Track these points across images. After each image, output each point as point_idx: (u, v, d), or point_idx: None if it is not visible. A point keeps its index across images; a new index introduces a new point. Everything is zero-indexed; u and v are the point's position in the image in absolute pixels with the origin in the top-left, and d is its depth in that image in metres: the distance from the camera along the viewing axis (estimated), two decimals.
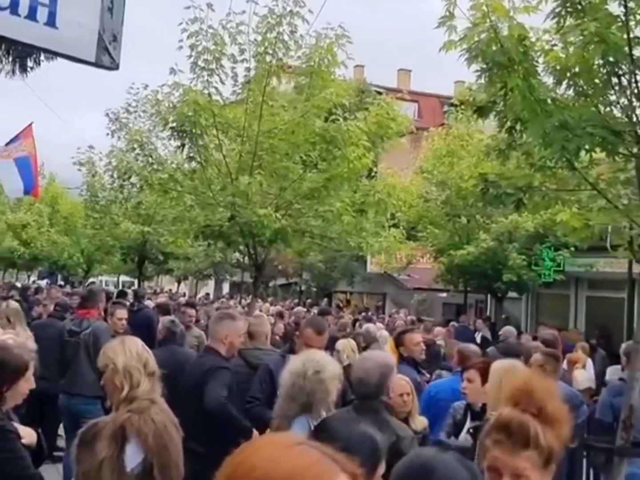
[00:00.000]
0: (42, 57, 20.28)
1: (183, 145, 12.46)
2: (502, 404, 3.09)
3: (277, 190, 12.81)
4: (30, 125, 19.40)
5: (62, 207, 34.80)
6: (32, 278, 45.83)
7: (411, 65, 68.32)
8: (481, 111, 7.37)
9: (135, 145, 13.13)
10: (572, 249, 22.20)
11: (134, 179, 13.63)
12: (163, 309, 13.89)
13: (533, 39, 6.75)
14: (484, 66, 6.54)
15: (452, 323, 22.12)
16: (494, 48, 6.27)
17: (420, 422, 6.87)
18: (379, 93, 16.99)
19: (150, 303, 18.93)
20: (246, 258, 42.42)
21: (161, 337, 9.66)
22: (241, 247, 14.28)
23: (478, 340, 21.10)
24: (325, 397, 5.28)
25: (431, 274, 30.10)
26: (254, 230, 12.19)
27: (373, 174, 14.62)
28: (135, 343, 4.50)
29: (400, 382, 7.43)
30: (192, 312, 14.88)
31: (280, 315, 20.58)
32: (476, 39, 6.35)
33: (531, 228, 21.97)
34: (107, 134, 19.77)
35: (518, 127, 7.41)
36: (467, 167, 21.61)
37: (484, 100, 7.27)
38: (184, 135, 12.19)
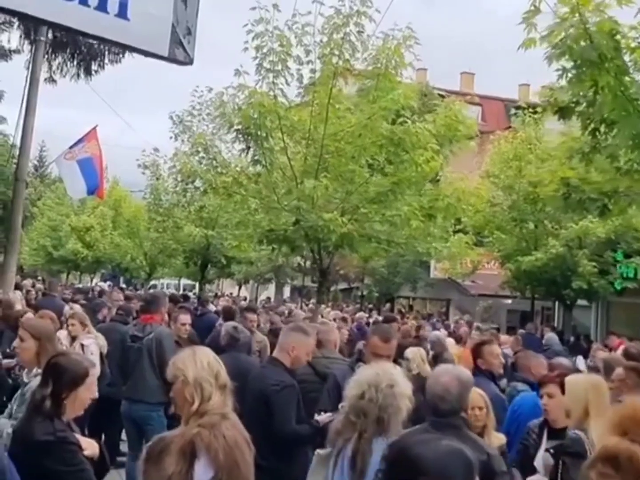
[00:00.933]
0: (106, 60, 20.50)
1: (248, 147, 12.19)
2: (608, 433, 2.74)
3: (342, 194, 12.47)
4: (94, 128, 19.50)
5: (125, 210, 35.00)
6: (95, 280, 46.19)
7: (474, 68, 67.28)
8: (563, 112, 6.93)
9: (200, 149, 12.89)
10: None
11: (197, 183, 13.40)
12: (227, 314, 13.66)
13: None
14: (571, 64, 6.09)
15: (520, 331, 21.60)
16: (582, 44, 5.82)
17: (496, 439, 6.44)
18: (442, 96, 16.53)
19: (212, 307, 18.79)
20: (307, 262, 42.99)
21: (224, 343, 9.42)
22: (305, 252, 13.90)
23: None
24: (397, 415, 4.92)
25: (496, 280, 29.49)
26: (319, 235, 11.88)
27: (438, 178, 14.19)
28: (207, 354, 4.25)
29: (473, 395, 7.06)
30: (254, 316, 14.68)
31: (344, 320, 20.26)
32: (563, 34, 5.91)
33: (602, 234, 21.29)
34: (171, 137, 19.74)
35: (602, 128, 6.94)
36: (548, 171, 20.99)
37: (566, 101, 6.82)
38: (249, 137, 11.94)
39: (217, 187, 12.97)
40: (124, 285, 38.64)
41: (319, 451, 5.16)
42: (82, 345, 9.23)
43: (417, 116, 12.76)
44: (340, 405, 5.15)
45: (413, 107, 12.72)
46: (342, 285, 45.47)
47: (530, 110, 24.72)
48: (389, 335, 6.73)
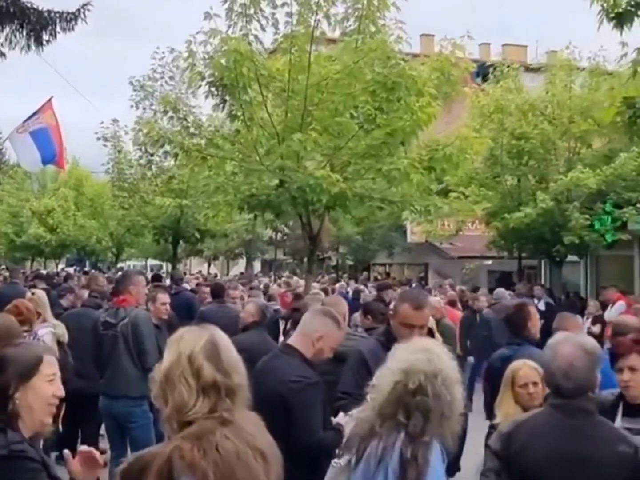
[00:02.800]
0: (58, 29, 19.08)
1: (224, 101, 10.76)
2: None
3: (331, 150, 11.17)
4: (50, 99, 18.30)
5: (87, 189, 33.29)
6: (61, 266, 44.53)
7: (432, 30, 66.21)
8: (622, 18, 5.72)
9: (168, 108, 11.46)
10: (638, 205, 20.55)
11: (167, 148, 11.97)
12: (216, 291, 12.42)
13: None
14: None
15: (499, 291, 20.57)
16: None
17: None
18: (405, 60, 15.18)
19: (187, 286, 17.53)
20: (279, 234, 41.77)
21: (252, 320, 8.50)
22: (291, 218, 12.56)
23: (541, 307, 19.64)
24: (457, 409, 3.73)
25: (477, 242, 28.55)
26: (309, 196, 10.56)
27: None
28: (196, 339, 3.06)
29: (524, 369, 5.89)
30: (236, 292, 13.70)
31: (324, 291, 19.08)
32: None
33: (593, 185, 20.22)
34: (132, 106, 18.29)
35: None
36: (606, 91, 19.69)
37: (624, 4, 5.62)
38: (224, 90, 10.54)
39: (189, 150, 11.54)
40: (87, 269, 37.03)
41: (336, 461, 3.98)
42: (36, 336, 8.02)
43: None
44: (367, 396, 3.91)
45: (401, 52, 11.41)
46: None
47: (505, 66, 23.82)
48: (421, 301, 5.54)
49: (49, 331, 8.47)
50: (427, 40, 55.99)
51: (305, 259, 42.50)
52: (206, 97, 10.83)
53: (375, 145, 10.92)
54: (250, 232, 28.83)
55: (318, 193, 10.28)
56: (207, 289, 13.21)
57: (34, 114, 17.65)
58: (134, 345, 8.16)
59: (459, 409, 3.69)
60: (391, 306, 11.32)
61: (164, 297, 9.25)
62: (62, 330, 8.75)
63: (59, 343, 8.58)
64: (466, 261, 33.19)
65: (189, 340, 3.02)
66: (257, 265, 52.94)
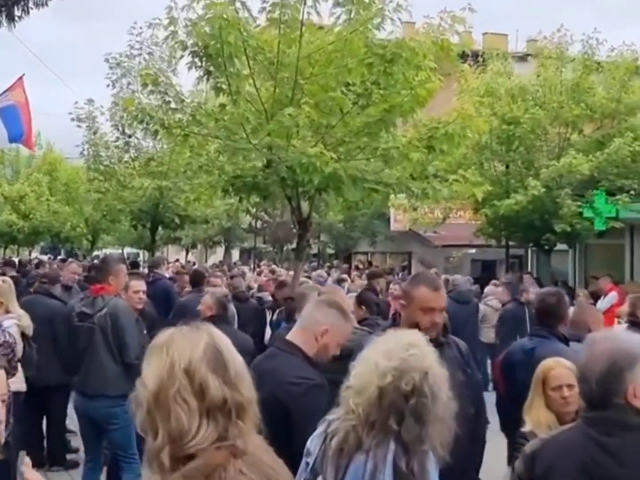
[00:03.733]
0: (30, 4, 18.29)
1: (208, 72, 9.89)
2: None
3: (322, 128, 10.36)
4: (21, 77, 17.53)
5: (61, 174, 32.19)
6: (34, 254, 43.45)
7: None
8: None
9: (148, 81, 10.58)
10: (631, 192, 20.00)
11: (147, 125, 11.10)
12: (195, 278, 11.69)
13: None
14: None
15: (493, 281, 19.98)
16: None
17: None
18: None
19: (166, 273, 16.71)
20: (259, 222, 40.90)
21: (210, 314, 7.57)
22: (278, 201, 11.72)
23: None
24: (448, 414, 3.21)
25: (462, 230, 27.93)
26: (299, 177, 9.75)
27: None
28: (192, 344, 2.32)
29: (558, 369, 5.20)
30: (217, 280, 13.07)
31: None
32: None
33: (587, 171, 19.60)
34: (108, 85, 17.39)
35: None
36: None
37: None
38: (208, 61, 9.68)
39: (170, 127, 10.67)
40: (64, 257, 35.97)
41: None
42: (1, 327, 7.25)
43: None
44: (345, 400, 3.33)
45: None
46: (295, 244, 43.40)
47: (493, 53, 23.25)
48: (437, 282, 4.99)
49: (14, 323, 7.74)
50: (408, 27, 55.39)
51: (285, 247, 42.22)
52: (189, 68, 9.96)
53: (371, 123, 10.12)
54: (232, 218, 27.75)
55: (310, 173, 9.47)
56: (218, 281, 12.48)
57: (4, 92, 16.91)
58: (113, 338, 7.46)
59: (452, 410, 3.21)
60: (394, 293, 10.68)
61: (137, 285, 8.48)
62: (27, 322, 8.01)
63: (24, 335, 7.87)
64: (450, 250, 32.57)
65: (182, 345, 2.28)
66: (235, 254, 52.13)
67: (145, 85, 10.72)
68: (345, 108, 10.16)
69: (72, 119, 18.35)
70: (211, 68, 9.74)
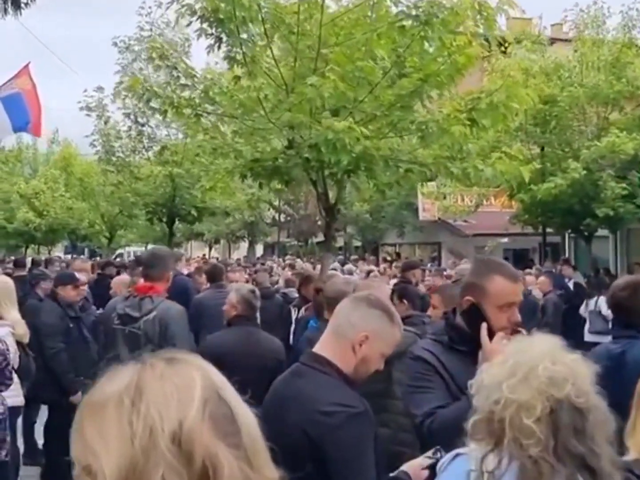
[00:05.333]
0: None
1: (219, 39, 8.72)
2: None
3: (350, 102, 9.20)
4: (26, 65, 16.55)
5: (76, 168, 31.16)
6: (57, 253, 42.55)
7: None
8: None
9: (154, 55, 9.44)
10: None
11: (154, 103, 9.97)
12: (212, 274, 10.59)
13: None
14: None
15: (527, 271, 18.74)
16: None
17: None
18: None
19: (184, 270, 15.69)
20: (282, 216, 39.81)
21: (235, 313, 6.40)
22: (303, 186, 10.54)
23: (570, 287, 17.92)
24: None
25: (494, 218, 26.74)
26: (325, 157, 8.60)
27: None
28: (180, 392, 1.26)
29: None
30: (235, 275, 12.22)
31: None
32: None
33: (631, 151, 18.30)
34: (118, 71, 16.36)
35: None
36: None
37: None
38: (219, 27, 8.52)
39: (179, 106, 9.54)
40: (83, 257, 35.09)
41: None
42: None
43: None
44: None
45: None
46: (320, 237, 42.30)
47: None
48: (516, 272, 3.92)
49: (9, 332, 6.72)
50: None
51: (309, 241, 41.11)
52: (198, 36, 8.83)
53: (405, 95, 8.95)
54: (253, 209, 26.31)
55: (337, 152, 8.32)
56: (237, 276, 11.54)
57: (8, 80, 16.02)
58: (160, 348, 6.22)
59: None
60: (456, 284, 9.45)
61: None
62: (22, 330, 6.97)
63: (19, 344, 6.85)
64: (481, 239, 31.30)
65: (163, 394, 1.21)
66: (259, 249, 51.14)
67: (151, 59, 9.55)
68: (374, 79, 8.98)
69: (81, 108, 17.39)
70: (222, 35, 8.56)
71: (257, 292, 6.55)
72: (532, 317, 14.04)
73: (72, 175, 31.29)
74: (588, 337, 13.80)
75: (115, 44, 15.84)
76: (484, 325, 3.61)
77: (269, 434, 3.42)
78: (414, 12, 8.56)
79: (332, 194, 10.37)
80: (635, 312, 4.96)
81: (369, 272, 19.61)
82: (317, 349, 3.41)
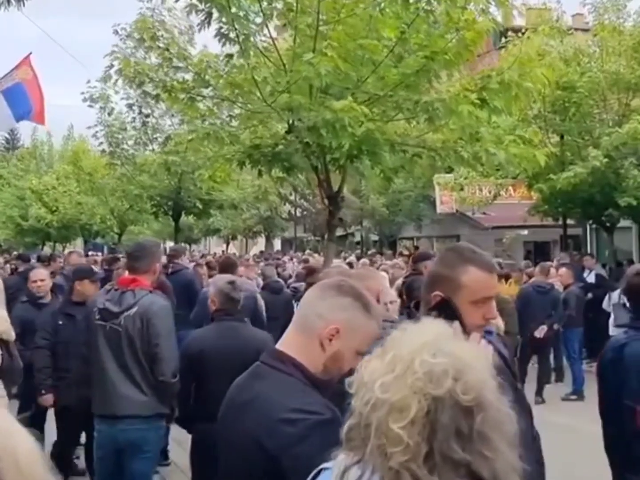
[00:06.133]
0: None
1: (209, 15, 8.15)
2: None
3: (352, 83, 8.63)
4: (27, 55, 16.24)
5: (85, 162, 30.64)
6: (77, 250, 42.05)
7: None
8: None
9: (145, 36, 8.90)
10: None
11: (147, 87, 9.43)
12: (225, 266, 9.91)
13: None
14: None
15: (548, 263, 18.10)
16: None
17: None
18: None
19: (188, 263, 15.17)
20: (298, 210, 39.27)
21: (215, 307, 5.90)
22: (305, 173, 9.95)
23: (591, 279, 17.36)
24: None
25: (513, 210, 26.11)
26: (325, 140, 8.04)
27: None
28: None
29: None
30: (240, 269, 11.73)
31: (349, 266, 16.70)
32: None
33: None
34: (107, 54, 15.81)
35: None
36: None
37: None
38: (209, 1, 7.95)
39: (173, 90, 9.00)
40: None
41: None
42: None
43: None
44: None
45: None
46: (338, 232, 41.73)
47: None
48: (492, 262, 3.36)
49: None
50: None
51: (326, 235, 40.53)
52: (188, 13, 8.30)
53: (410, 75, 8.37)
54: (260, 201, 25.60)
55: (338, 135, 7.76)
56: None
57: (9, 72, 15.73)
58: (142, 346, 5.69)
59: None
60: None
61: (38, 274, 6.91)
62: (4, 326, 6.46)
63: (3, 342, 6.34)
64: (501, 232, 30.68)
65: None
66: (277, 244, 50.73)
67: (142, 40, 9.00)
68: (378, 58, 8.41)
69: (85, 99, 16.87)
70: (213, 11, 7.99)
71: (237, 284, 6.00)
72: (555, 310, 13.56)
73: (82, 170, 30.79)
74: (613, 330, 13.28)
75: (116, 32, 15.25)
76: (456, 324, 3.09)
77: (222, 445, 2.82)
78: None
79: (335, 179, 9.79)
80: None
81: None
82: (281, 345, 2.86)
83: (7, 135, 66.21)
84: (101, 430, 5.88)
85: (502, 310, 9.98)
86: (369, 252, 32.15)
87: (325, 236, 38.79)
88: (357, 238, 40.72)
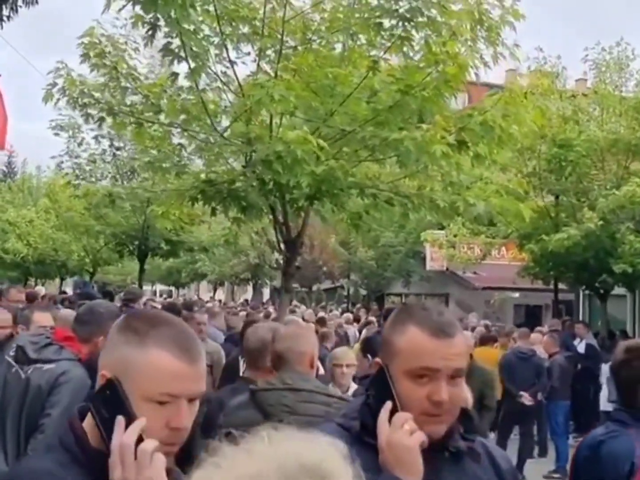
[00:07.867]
0: (20, 3, 16.80)
1: (153, 27, 7.14)
2: None
3: (319, 117, 7.68)
4: None
5: (61, 196, 29.55)
6: (66, 288, 40.71)
7: None
8: None
9: (92, 53, 7.87)
10: None
11: (92, 110, 8.39)
12: (168, 312, 8.95)
13: None
14: None
15: (537, 329, 17.11)
16: None
17: None
18: None
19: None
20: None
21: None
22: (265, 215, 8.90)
23: (581, 349, 16.39)
24: None
25: (504, 271, 25.18)
26: (282, 178, 7.05)
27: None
28: None
29: None
30: (203, 317, 10.48)
31: (321, 322, 15.69)
32: None
33: None
34: (50, 72, 14.97)
35: None
36: None
37: None
38: (152, 9, 6.93)
39: (119, 113, 8.02)
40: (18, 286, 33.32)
41: None
42: None
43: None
44: None
45: None
46: (326, 285, 40.80)
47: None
48: (448, 324, 2.25)
49: None
50: None
51: (315, 287, 39.43)
52: (133, 24, 7.36)
53: (382, 110, 7.42)
54: (231, 244, 24.58)
55: (293, 171, 6.77)
56: (203, 317, 10.19)
57: None
58: (30, 407, 4.70)
59: None
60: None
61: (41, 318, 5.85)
62: None
63: None
64: (491, 293, 29.71)
65: None
66: (266, 293, 49.68)
67: (86, 56, 8.00)
68: (348, 90, 7.46)
69: (52, 127, 15.83)
70: (159, 22, 7.02)
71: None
72: (537, 380, 12.59)
73: (57, 203, 29.61)
74: (606, 405, 12.27)
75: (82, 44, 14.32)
76: (387, 405, 2.09)
77: None
78: (393, 7, 7.03)
79: (295, 222, 8.79)
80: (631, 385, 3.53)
81: (367, 324, 18.12)
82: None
83: (4, 168, 65.98)
84: None
85: (484, 382, 8.99)
86: (357, 307, 31.17)
87: (316, 287, 37.61)
88: (346, 291, 39.77)
